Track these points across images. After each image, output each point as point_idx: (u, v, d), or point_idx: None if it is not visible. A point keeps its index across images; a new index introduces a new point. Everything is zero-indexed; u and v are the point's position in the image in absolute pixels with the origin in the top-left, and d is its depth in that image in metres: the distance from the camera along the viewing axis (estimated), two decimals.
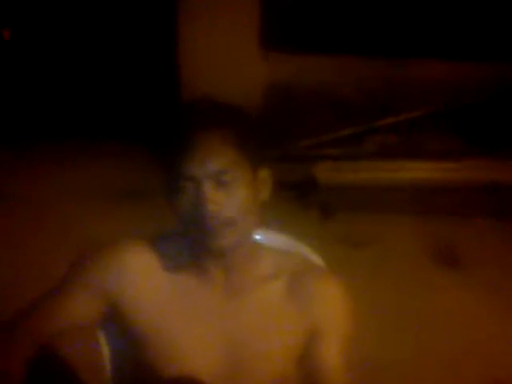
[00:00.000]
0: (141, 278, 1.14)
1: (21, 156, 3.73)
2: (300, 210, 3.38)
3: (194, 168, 1.06)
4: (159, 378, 1.08)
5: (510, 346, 2.42)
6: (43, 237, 2.95)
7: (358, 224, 3.32)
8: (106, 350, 1.24)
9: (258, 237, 1.23)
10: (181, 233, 1.14)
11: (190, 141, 1.06)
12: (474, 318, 2.65)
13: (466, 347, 2.44)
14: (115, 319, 1.16)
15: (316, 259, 1.35)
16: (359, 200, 3.47)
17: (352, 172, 3.59)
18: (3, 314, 1.16)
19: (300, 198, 3.45)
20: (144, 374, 1.12)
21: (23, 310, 1.15)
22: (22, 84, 4.36)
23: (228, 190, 1.07)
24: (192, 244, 1.12)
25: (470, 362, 2.33)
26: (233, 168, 1.07)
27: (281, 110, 3.68)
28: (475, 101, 4.02)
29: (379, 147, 3.89)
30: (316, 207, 3.46)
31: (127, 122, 3.99)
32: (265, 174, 1.14)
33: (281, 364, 1.15)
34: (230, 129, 1.08)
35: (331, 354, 1.15)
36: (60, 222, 3.08)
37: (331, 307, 1.18)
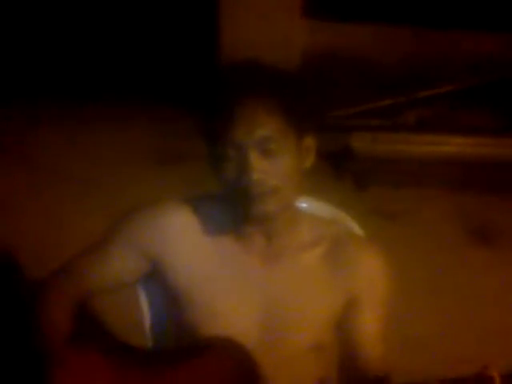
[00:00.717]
0: (182, 238, 1.14)
1: (60, 119, 3.75)
2: (335, 180, 3.36)
3: (240, 136, 1.04)
4: (198, 339, 1.09)
5: None
6: (83, 201, 2.98)
7: (392, 196, 3.29)
8: (145, 308, 1.26)
9: (299, 204, 1.23)
10: (223, 196, 1.13)
11: (235, 108, 1.05)
12: (507, 295, 2.62)
13: (498, 325, 2.42)
14: (156, 278, 1.17)
15: (357, 229, 1.34)
16: (395, 172, 3.43)
17: (389, 144, 3.53)
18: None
19: (335, 168, 3.43)
20: (183, 334, 1.13)
21: (63, 267, 1.17)
22: (66, 44, 4.35)
23: (273, 158, 1.06)
24: (234, 209, 1.12)
25: (502, 340, 2.31)
26: (278, 136, 1.06)
27: (319, 79, 3.63)
28: None
29: (417, 120, 3.82)
30: (351, 178, 3.44)
31: (166, 85, 3.97)
32: (309, 141, 1.12)
33: (318, 330, 1.15)
34: (277, 95, 1.06)
35: (369, 323, 1.15)
36: (99, 187, 3.10)
37: (370, 276, 1.17)
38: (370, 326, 1.15)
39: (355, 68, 3.87)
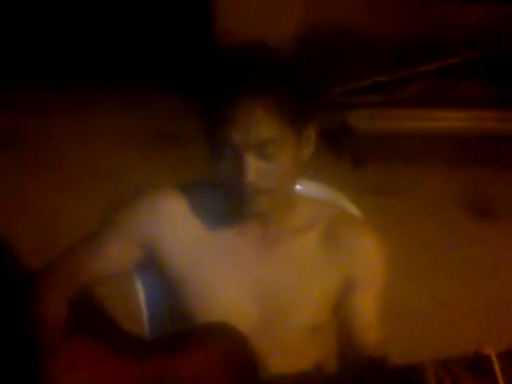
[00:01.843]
0: (176, 225, 1.14)
1: (55, 104, 3.73)
2: (333, 158, 3.35)
3: (237, 138, 1.01)
4: (195, 325, 1.09)
5: None
6: (77, 184, 2.98)
7: (391, 173, 3.28)
8: (142, 297, 1.26)
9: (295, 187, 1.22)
10: (218, 183, 1.12)
11: (232, 108, 1.00)
12: (506, 269, 2.62)
13: (498, 299, 2.42)
14: (151, 266, 1.17)
15: (353, 210, 1.33)
16: (394, 149, 3.42)
17: (387, 120, 3.51)
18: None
19: (333, 146, 3.41)
20: (180, 320, 1.13)
21: (57, 260, 1.16)
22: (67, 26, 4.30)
23: (270, 160, 1.03)
24: (229, 198, 1.11)
25: (502, 313, 2.32)
26: (277, 138, 1.02)
27: (315, 55, 3.60)
28: None
29: (416, 95, 3.80)
30: (349, 156, 3.42)
31: (162, 67, 3.94)
32: (309, 131, 1.09)
33: (315, 312, 1.15)
34: (277, 94, 1.01)
35: (366, 305, 1.15)
36: (97, 172, 3.09)
37: (367, 258, 1.17)
38: (367, 307, 1.15)
39: (352, 43, 3.83)
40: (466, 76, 3.94)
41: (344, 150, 3.43)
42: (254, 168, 1.02)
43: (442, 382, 0.88)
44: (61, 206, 2.75)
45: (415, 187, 3.21)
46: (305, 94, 1.06)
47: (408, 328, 2.12)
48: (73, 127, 3.48)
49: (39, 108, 3.62)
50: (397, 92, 3.77)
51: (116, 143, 3.34)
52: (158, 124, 3.54)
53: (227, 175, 1.05)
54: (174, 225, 1.14)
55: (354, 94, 3.66)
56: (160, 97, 3.73)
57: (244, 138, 1.01)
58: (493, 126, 3.57)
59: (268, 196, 1.06)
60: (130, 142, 3.35)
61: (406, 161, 3.35)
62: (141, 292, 1.26)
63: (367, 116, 3.49)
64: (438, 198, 3.15)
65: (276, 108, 1.01)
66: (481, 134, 3.52)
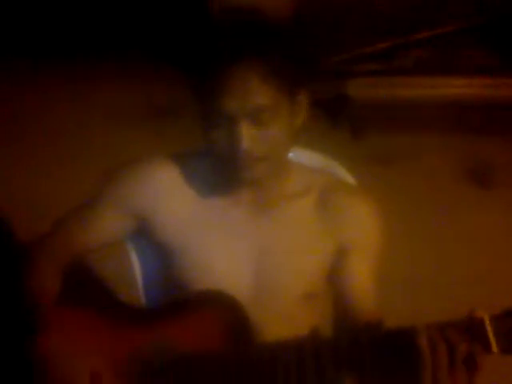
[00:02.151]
0: (169, 194, 1.14)
1: (43, 75, 3.70)
2: (331, 128, 3.33)
3: (231, 105, 1.00)
4: (190, 293, 1.09)
5: None
6: (70, 158, 2.97)
7: (390, 142, 3.27)
8: (137, 266, 1.27)
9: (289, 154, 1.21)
10: (212, 153, 1.12)
11: (226, 76, 0.99)
12: (503, 236, 2.63)
13: (494, 266, 2.43)
14: (145, 235, 1.17)
15: (347, 177, 1.33)
16: (392, 118, 3.40)
17: (385, 88, 3.48)
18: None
19: (331, 116, 3.39)
20: (175, 289, 1.14)
21: (51, 230, 1.17)
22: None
23: (264, 127, 1.03)
24: (221, 167, 1.10)
25: (498, 280, 2.33)
26: (271, 104, 1.01)
27: (311, 23, 3.56)
28: None
29: (414, 63, 3.76)
30: (347, 125, 3.40)
31: (155, 41, 3.90)
32: (303, 98, 1.09)
33: (310, 279, 1.15)
34: (273, 61, 1.00)
35: (360, 271, 1.15)
36: (91, 145, 3.09)
37: (361, 224, 1.17)
38: (361, 273, 1.15)
39: (349, 10, 3.78)
40: (466, 43, 3.90)
41: (342, 120, 3.41)
42: (249, 135, 1.02)
43: (435, 345, 0.88)
44: (57, 182, 2.75)
45: (414, 156, 3.20)
46: (300, 61, 1.06)
47: (403, 295, 2.13)
48: (68, 104, 3.47)
49: (35, 85, 3.60)
50: (396, 60, 3.73)
51: (112, 119, 3.32)
52: (154, 100, 3.52)
53: (222, 144, 1.04)
54: (166, 194, 1.14)
55: (352, 62, 3.62)
56: (155, 72, 3.70)
57: (239, 105, 1.00)
58: (493, 94, 3.55)
59: (263, 163, 1.05)
60: (125, 118, 3.34)
61: (404, 129, 3.33)
62: (136, 261, 1.27)
63: (366, 84, 3.47)
64: (436, 166, 3.14)
65: (271, 75, 1.00)
66: (481, 102, 3.49)
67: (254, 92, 1.00)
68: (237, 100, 1.00)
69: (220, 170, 1.11)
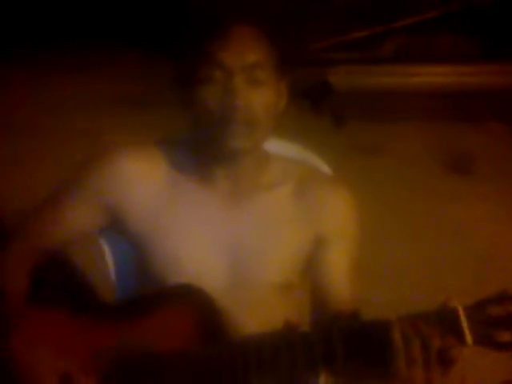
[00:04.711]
0: (138, 185, 1.12)
1: (28, 64, 3.65)
2: (312, 117, 3.33)
3: (230, 57, 1.03)
4: (163, 287, 1.07)
5: None
6: (53, 147, 2.94)
7: (370, 131, 3.27)
8: (109, 258, 1.25)
9: (266, 144, 1.20)
10: (188, 139, 1.11)
11: (228, 29, 1.03)
12: (484, 226, 2.64)
13: (476, 255, 2.44)
14: (117, 227, 1.14)
15: (324, 167, 1.32)
16: (372, 106, 3.40)
17: (367, 76, 3.48)
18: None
19: (313, 104, 3.38)
20: (149, 282, 1.12)
21: (20, 225, 1.14)
22: None
23: (258, 87, 1.05)
24: (201, 149, 1.10)
25: (477, 269, 2.34)
26: (266, 65, 1.05)
27: (292, 12, 3.54)
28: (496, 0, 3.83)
29: (394, 51, 3.75)
30: (328, 114, 3.40)
31: (132, 30, 3.86)
32: (283, 86, 1.12)
33: (285, 270, 1.14)
34: (266, 24, 1.07)
35: (337, 262, 1.14)
36: (69, 130, 3.06)
37: (337, 214, 1.16)
38: (338, 264, 1.14)
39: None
40: (446, 30, 3.90)
41: (324, 109, 3.41)
42: (244, 92, 1.03)
43: (409, 339, 0.87)
44: (36, 170, 2.72)
45: (395, 144, 3.21)
46: (290, 40, 1.13)
47: (382, 286, 2.13)
48: (47, 92, 3.43)
49: (11, 74, 3.55)
50: (375, 48, 3.72)
51: (90, 106, 3.29)
52: (133, 87, 3.49)
53: (214, 101, 1.04)
54: (135, 185, 1.12)
55: (332, 50, 3.61)
56: (134, 60, 3.67)
57: (238, 59, 1.03)
58: (473, 81, 3.55)
59: (250, 130, 1.05)
60: (104, 105, 3.31)
61: (385, 117, 3.33)
62: (108, 255, 1.25)
63: (346, 73, 3.46)
64: (416, 155, 3.15)
65: (267, 35, 1.06)
66: (461, 90, 3.50)
67: (253, 48, 1.05)
68: (236, 53, 1.03)
69: (199, 153, 1.09)
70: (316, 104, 3.40)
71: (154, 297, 1.03)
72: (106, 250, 1.24)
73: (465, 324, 0.88)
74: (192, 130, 1.10)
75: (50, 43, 3.79)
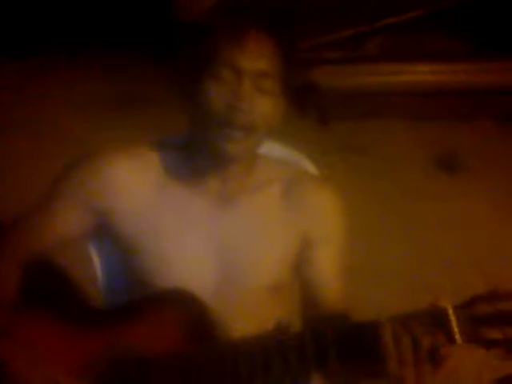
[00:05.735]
0: (125, 187, 1.11)
1: (20, 66, 3.63)
2: (298, 116, 3.32)
3: (244, 60, 1.03)
4: (151, 289, 1.07)
5: (509, 253, 2.42)
6: (43, 148, 2.92)
7: (357, 130, 3.28)
8: (97, 263, 1.24)
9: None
10: (179, 142, 1.11)
11: (246, 32, 1.04)
12: (474, 224, 2.65)
13: (466, 253, 2.45)
14: (104, 231, 1.14)
15: (311, 168, 1.32)
16: (359, 105, 3.40)
17: (352, 76, 3.48)
18: None
19: (298, 104, 3.38)
20: (138, 286, 1.11)
21: (8, 230, 1.13)
22: None
23: (262, 96, 1.05)
24: (193, 152, 1.10)
25: (470, 267, 2.36)
26: (275, 75, 1.05)
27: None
28: None
29: (380, 49, 3.76)
30: (314, 113, 3.40)
31: (125, 30, 3.84)
32: (282, 100, 1.10)
33: (275, 272, 1.14)
34: (283, 37, 1.07)
35: (325, 262, 1.15)
36: (59, 132, 3.04)
37: (325, 215, 1.17)
38: (326, 265, 1.15)
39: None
40: (431, 29, 3.92)
41: (309, 108, 3.41)
42: (250, 97, 1.03)
43: (399, 339, 0.88)
44: (23, 171, 2.71)
45: (382, 143, 3.21)
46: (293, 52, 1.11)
47: (372, 286, 2.14)
48: (34, 93, 3.41)
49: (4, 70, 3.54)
50: (361, 47, 3.73)
51: (78, 108, 3.27)
52: (120, 88, 3.47)
53: (218, 100, 1.04)
54: (124, 187, 1.11)
55: (317, 50, 3.61)
56: (122, 61, 3.66)
57: (251, 62, 1.03)
58: (459, 80, 3.57)
59: (249, 135, 1.05)
60: (91, 107, 3.29)
61: (371, 116, 3.34)
62: (96, 259, 1.24)
63: (331, 72, 3.46)
64: (404, 154, 3.16)
65: (281, 48, 1.06)
66: (447, 88, 3.52)
67: (266, 56, 1.05)
68: (251, 56, 1.04)
69: (190, 156, 1.09)
70: (301, 103, 3.40)
71: (144, 301, 1.03)
72: (95, 255, 1.24)
73: (454, 323, 0.88)
74: (187, 130, 1.10)
75: (40, 43, 3.78)
